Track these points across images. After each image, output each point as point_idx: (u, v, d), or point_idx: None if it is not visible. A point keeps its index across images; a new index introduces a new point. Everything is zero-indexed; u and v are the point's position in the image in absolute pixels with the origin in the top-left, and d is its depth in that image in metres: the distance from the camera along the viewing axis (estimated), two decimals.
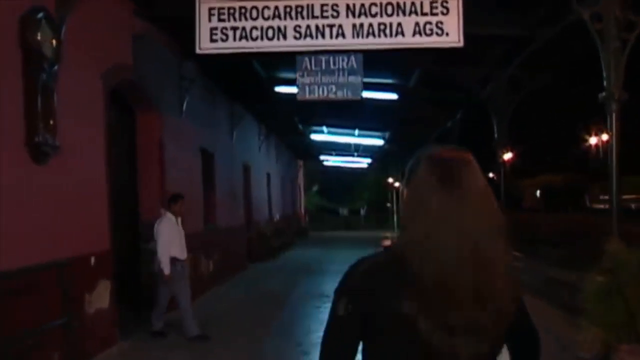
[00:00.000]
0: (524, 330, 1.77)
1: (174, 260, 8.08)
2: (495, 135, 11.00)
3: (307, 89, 6.67)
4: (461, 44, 6.41)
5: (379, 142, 22.64)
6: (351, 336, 1.66)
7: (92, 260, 7.23)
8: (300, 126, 20.84)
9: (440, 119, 16.44)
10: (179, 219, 8.48)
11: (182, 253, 8.32)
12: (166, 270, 7.95)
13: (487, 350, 1.57)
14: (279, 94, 13.64)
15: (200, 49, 6.45)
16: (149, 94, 9.82)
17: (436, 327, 1.50)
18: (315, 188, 50.39)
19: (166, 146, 10.38)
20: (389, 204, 53.61)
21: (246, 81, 13.02)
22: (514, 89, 10.87)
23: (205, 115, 13.14)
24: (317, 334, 8.54)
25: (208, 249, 12.58)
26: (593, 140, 56.90)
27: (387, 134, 21.28)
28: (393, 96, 13.41)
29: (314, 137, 22.71)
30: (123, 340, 8.00)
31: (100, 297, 7.42)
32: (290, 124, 20.34)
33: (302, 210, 38.49)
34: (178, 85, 11.24)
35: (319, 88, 6.66)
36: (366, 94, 13.51)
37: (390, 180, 50.36)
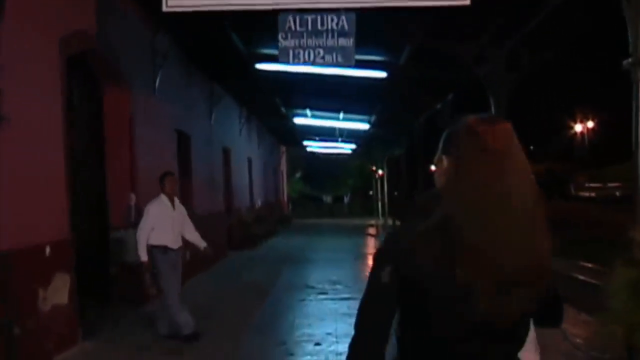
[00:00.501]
0: (552, 292, 1.79)
1: (164, 249, 7.08)
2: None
3: (290, 53, 5.77)
4: (468, 1, 5.59)
5: (364, 126, 21.80)
6: (393, 303, 1.71)
7: (47, 250, 6.36)
8: (282, 109, 19.96)
9: (429, 101, 15.64)
10: (175, 201, 7.37)
11: (174, 241, 7.22)
12: (142, 256, 6.98)
13: (533, 308, 1.66)
14: (260, 71, 12.76)
15: (167, 6, 5.56)
16: (117, 66, 8.94)
17: (487, 288, 1.58)
18: (298, 175, 49.49)
19: (137, 125, 9.51)
20: (371, 192, 53.04)
21: (225, 57, 12.13)
22: (513, 66, 10.08)
23: (181, 94, 12.26)
24: (303, 330, 7.78)
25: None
26: (578, 128, 56.68)
27: (372, 118, 20.44)
28: (382, 74, 12.58)
29: (297, 120, 21.82)
30: (86, 340, 7.14)
31: (58, 292, 6.55)
32: (272, 106, 19.45)
33: (285, 198, 37.66)
34: (151, 60, 10.36)
35: (304, 52, 5.75)
36: (353, 72, 12.74)
37: (374, 168, 49.74)
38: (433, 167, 1.86)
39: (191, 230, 7.61)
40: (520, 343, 1.75)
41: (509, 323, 1.64)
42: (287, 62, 5.95)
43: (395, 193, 29.68)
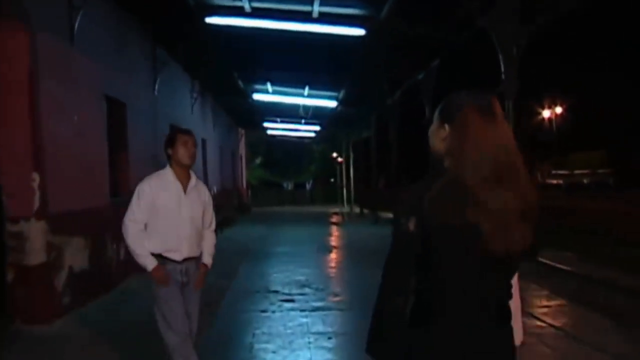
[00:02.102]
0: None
1: (163, 261, 4.27)
2: (503, 77, 8.16)
3: None
4: None
5: (332, 103, 19.69)
6: (416, 251, 1.97)
7: None
8: (240, 83, 17.68)
9: (410, 70, 13.56)
10: (191, 182, 4.43)
11: (181, 247, 4.34)
12: (148, 263, 4.21)
13: (528, 243, 1.97)
14: (211, 28, 10.48)
15: None
16: None
17: (492, 228, 1.91)
18: (258, 160, 47.05)
19: (43, 82, 7.15)
20: (332, 179, 51.14)
21: (166, 4, 9.80)
22: (528, 17, 8.04)
23: (113, 52, 9.88)
24: (264, 356, 5.64)
25: (116, 229, 9.40)
26: (546, 114, 55.45)
27: (341, 94, 18.34)
28: (359, 32, 10.42)
29: (257, 97, 19.54)
30: None
31: None
32: (228, 80, 17.18)
33: (244, 184, 35.28)
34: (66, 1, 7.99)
35: None
36: (325, 28, 10.55)
37: (335, 154, 47.80)
38: (432, 133, 2.19)
39: (208, 231, 4.63)
40: (512, 277, 2.09)
41: (512, 257, 1.97)
42: None
43: (365, 179, 27.57)
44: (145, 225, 4.27)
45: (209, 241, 4.60)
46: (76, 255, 7.86)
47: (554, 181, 52.37)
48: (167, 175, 4.37)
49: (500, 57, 8.14)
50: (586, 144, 53.54)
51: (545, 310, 7.49)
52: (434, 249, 1.94)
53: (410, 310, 1.98)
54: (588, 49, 46.12)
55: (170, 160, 4.38)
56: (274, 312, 7.65)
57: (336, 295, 8.72)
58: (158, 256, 4.24)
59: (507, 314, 2.06)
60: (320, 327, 6.77)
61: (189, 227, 4.36)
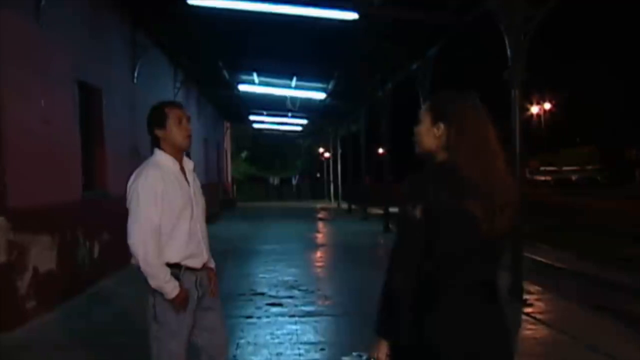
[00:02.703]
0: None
1: (177, 270, 3.36)
2: (510, 63, 7.50)
3: None
4: None
5: (320, 95, 18.96)
6: (423, 236, 2.14)
7: None
8: (225, 73, 16.93)
9: (404, 58, 12.89)
10: (187, 164, 3.58)
11: (197, 253, 3.49)
12: (173, 289, 3.29)
13: (512, 225, 2.23)
14: (194, 9, 9.73)
15: None
16: None
17: (485, 213, 2.14)
18: (243, 155, 46.26)
19: (4, 62, 6.42)
20: (318, 174, 50.49)
21: None
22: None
23: (87, 33, 9.14)
24: None
25: (89, 226, 8.68)
26: (535, 110, 55.08)
27: (330, 85, 17.64)
28: (351, 15, 9.70)
29: (243, 88, 18.75)
30: None
31: None
32: (213, 69, 16.42)
33: (229, 179, 34.51)
34: None
35: None
36: (315, 11, 9.85)
37: (321, 150, 47.11)
38: (422, 132, 2.39)
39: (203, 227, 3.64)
40: (500, 260, 2.33)
41: (499, 238, 2.20)
42: None
43: (354, 175, 26.89)
44: None
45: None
46: (42, 254, 7.15)
47: (542, 177, 52.15)
48: (166, 163, 3.43)
49: (507, 42, 7.50)
50: (575, 140, 53.31)
51: (554, 315, 6.90)
52: (438, 233, 2.13)
53: (418, 291, 2.14)
54: (577, 44, 45.78)
55: (161, 143, 3.45)
56: (260, 318, 6.97)
57: (327, 298, 8.06)
58: (174, 267, 3.31)
59: (497, 293, 2.30)
60: (311, 336, 6.11)
61: (203, 226, 3.56)
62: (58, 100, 7.92)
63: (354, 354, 5.38)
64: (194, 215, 3.47)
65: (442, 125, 2.30)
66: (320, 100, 19.97)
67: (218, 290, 3.66)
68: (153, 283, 3.26)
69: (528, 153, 51.39)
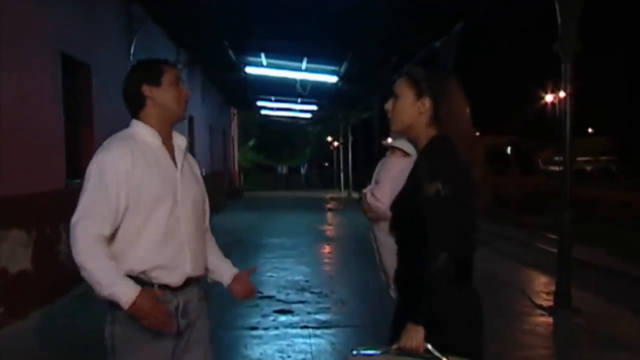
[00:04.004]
0: None
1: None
2: (560, 31, 6.41)
3: None
4: None
5: (332, 78, 17.85)
6: (456, 213, 2.15)
7: None
8: (232, 54, 15.86)
9: (425, 36, 11.79)
10: (180, 141, 2.61)
11: (187, 258, 2.47)
12: (125, 291, 2.23)
13: (490, 201, 2.34)
14: None
15: None
16: None
17: (481, 181, 2.25)
18: (251, 142, 45.20)
19: None
20: (326, 163, 49.49)
21: None
22: None
23: (72, 2, 8.08)
24: None
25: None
26: (549, 98, 53.60)
27: (343, 67, 16.53)
28: None
29: (251, 70, 17.66)
30: None
31: None
32: (218, 50, 15.34)
33: (236, 168, 33.47)
34: None
35: None
36: None
37: (330, 138, 46.02)
38: (404, 107, 2.36)
39: (208, 233, 2.81)
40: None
41: (478, 213, 2.27)
42: None
43: (366, 163, 25.85)
44: (115, 231, 2.34)
45: (216, 248, 2.85)
46: (14, 252, 6.13)
47: (556, 168, 50.94)
48: (144, 136, 2.47)
49: (558, 8, 6.42)
50: (590, 130, 52.14)
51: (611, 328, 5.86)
52: (458, 207, 2.12)
53: (452, 268, 2.08)
54: (593, 31, 44.47)
55: (145, 110, 2.50)
56: (267, 329, 5.95)
57: (344, 303, 7.04)
58: (140, 283, 2.29)
59: (472, 273, 2.34)
60: (328, 356, 5.09)
61: (192, 226, 2.52)
62: (37, 75, 6.89)
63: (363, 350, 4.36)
64: (176, 209, 2.44)
65: (428, 100, 2.30)
66: (332, 84, 18.86)
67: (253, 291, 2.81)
68: (98, 287, 2.24)
69: (541, 143, 50.27)
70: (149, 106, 2.49)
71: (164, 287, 2.39)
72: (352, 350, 2.20)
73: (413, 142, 2.43)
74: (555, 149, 52.93)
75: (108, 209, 2.30)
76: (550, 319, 6.36)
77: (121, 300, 2.21)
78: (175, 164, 2.51)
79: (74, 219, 2.29)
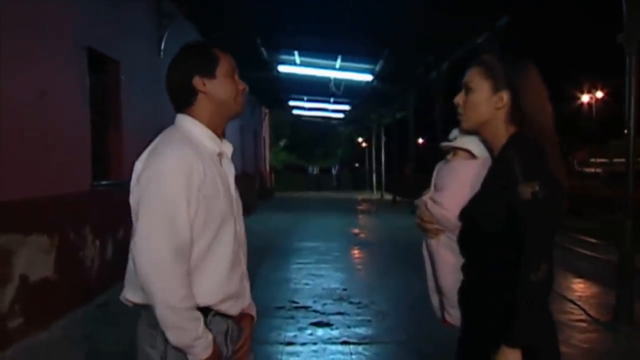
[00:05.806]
0: None
1: (205, 315, 1.99)
2: (625, 21, 5.84)
3: None
4: None
5: (367, 77, 17.35)
6: (556, 218, 1.98)
7: None
8: (264, 51, 15.47)
9: (466, 32, 11.24)
10: (228, 148, 2.13)
11: (246, 284, 2.21)
12: (197, 344, 1.91)
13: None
14: None
15: None
16: None
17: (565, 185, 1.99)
18: (282, 143, 44.85)
19: None
20: (357, 164, 48.90)
21: None
22: None
23: None
24: None
25: (100, 222, 7.25)
26: (585, 98, 52.40)
27: (379, 65, 16.01)
28: None
29: (283, 69, 17.27)
30: None
31: None
32: (250, 47, 14.95)
33: (267, 168, 33.13)
34: None
35: None
36: None
37: (360, 139, 45.45)
38: (480, 101, 2.05)
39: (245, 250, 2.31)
40: None
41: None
42: None
43: (400, 165, 25.30)
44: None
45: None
46: (34, 260, 5.73)
47: (592, 169, 49.67)
48: (202, 139, 2.02)
49: (624, 4, 5.83)
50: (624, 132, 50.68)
51: None
52: (553, 212, 1.92)
53: (552, 282, 1.88)
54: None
55: (195, 106, 2.06)
56: (304, 344, 5.47)
57: (385, 315, 6.53)
58: (202, 312, 1.95)
59: None
60: None
61: (245, 249, 2.22)
62: (61, 71, 6.51)
63: None
64: (237, 231, 2.07)
65: (506, 93, 2.01)
66: (367, 83, 18.35)
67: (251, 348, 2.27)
68: (174, 338, 1.88)
69: (577, 143, 48.85)
70: (200, 101, 2.05)
71: (226, 317, 2.05)
72: None
73: (486, 141, 2.10)
74: (590, 150, 51.63)
75: (189, 233, 1.93)
76: (609, 335, 5.80)
77: (195, 355, 1.92)
78: (224, 161, 2.11)
79: (155, 248, 1.92)
